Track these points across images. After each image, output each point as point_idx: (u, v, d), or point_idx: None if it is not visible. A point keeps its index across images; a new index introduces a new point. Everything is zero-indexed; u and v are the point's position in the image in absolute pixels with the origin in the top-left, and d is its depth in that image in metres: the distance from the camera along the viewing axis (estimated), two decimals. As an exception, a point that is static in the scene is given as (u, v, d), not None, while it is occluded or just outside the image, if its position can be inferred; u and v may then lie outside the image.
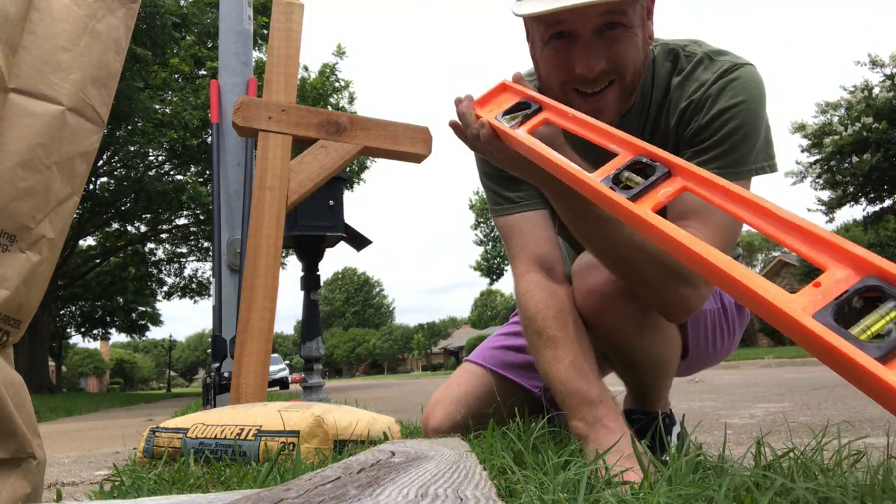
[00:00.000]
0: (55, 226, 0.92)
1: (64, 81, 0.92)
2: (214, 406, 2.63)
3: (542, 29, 1.05)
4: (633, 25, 1.02)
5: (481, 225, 35.32)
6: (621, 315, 1.11)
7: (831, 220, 16.95)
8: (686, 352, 1.28)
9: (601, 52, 1.02)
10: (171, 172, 15.21)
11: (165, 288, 20.99)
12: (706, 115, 1.07)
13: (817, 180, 16.63)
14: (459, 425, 1.40)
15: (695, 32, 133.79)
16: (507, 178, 1.23)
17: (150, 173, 14.25)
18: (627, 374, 1.29)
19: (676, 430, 1.37)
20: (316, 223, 3.11)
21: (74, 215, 1.05)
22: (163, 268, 20.44)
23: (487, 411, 1.39)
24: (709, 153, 1.06)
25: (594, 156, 0.96)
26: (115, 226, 17.72)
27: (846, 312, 0.55)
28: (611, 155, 0.85)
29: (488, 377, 1.45)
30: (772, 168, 1.08)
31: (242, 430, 1.36)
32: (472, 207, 35.93)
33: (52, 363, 24.37)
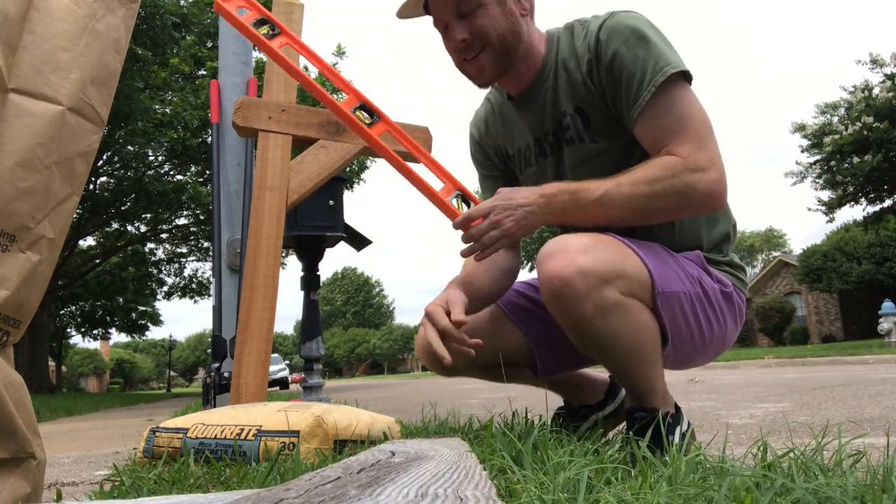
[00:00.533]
0: (55, 226, 0.92)
1: (63, 81, 0.92)
2: (214, 406, 2.63)
3: (437, 30, 1.40)
4: (484, 5, 1.30)
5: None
6: (580, 296, 1.16)
7: (831, 220, 16.91)
8: (665, 336, 1.28)
9: (463, 27, 1.32)
10: (171, 172, 15.20)
11: (165, 288, 20.99)
12: (606, 57, 1.28)
13: (817, 180, 16.61)
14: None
15: (695, 30, 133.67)
16: (483, 177, 1.66)
17: (150, 173, 14.24)
18: (606, 364, 1.30)
19: (682, 428, 1.32)
20: (316, 223, 3.10)
21: (74, 215, 1.05)
22: (163, 268, 20.45)
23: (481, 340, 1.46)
24: (633, 85, 1.25)
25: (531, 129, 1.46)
26: (115, 226, 17.72)
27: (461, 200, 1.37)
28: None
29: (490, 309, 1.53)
30: (681, 66, 1.24)
31: (242, 430, 1.36)
32: (472, 207, 35.90)
33: (52, 363, 24.37)
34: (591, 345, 1.24)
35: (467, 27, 1.31)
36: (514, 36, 1.34)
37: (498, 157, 1.60)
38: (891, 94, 14.40)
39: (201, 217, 15.17)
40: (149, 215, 16.24)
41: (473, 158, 1.66)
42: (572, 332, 1.24)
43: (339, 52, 15.09)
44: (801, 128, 16.42)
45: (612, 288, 1.17)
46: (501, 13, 1.32)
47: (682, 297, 1.29)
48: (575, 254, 1.16)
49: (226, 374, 2.72)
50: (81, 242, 17.83)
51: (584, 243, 1.18)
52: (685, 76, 1.25)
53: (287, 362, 31.74)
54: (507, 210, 1.22)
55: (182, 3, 13.16)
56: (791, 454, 0.87)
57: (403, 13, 1.43)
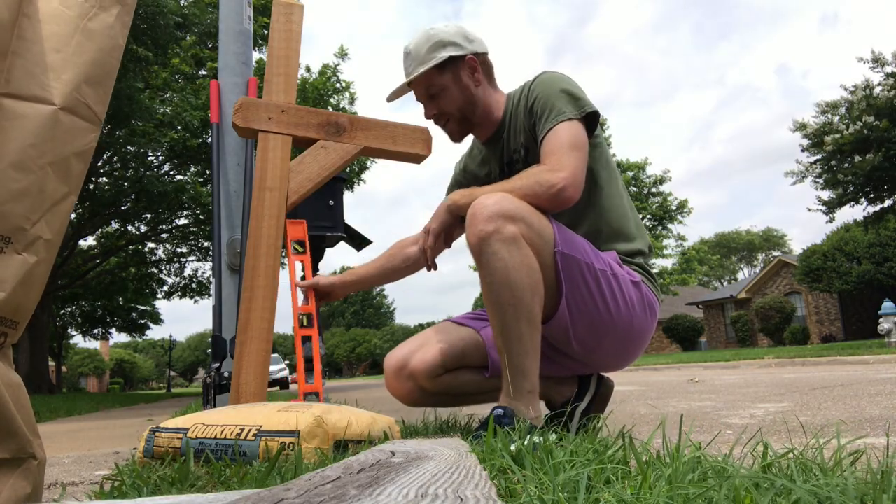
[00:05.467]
0: (51, 226, 0.92)
1: (55, 81, 0.91)
2: (214, 406, 2.63)
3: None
4: (446, 88, 1.75)
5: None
6: (488, 218, 1.44)
7: (831, 220, 16.89)
8: (561, 292, 1.53)
9: (433, 106, 1.80)
10: (172, 173, 15.19)
11: (165, 288, 20.97)
12: (531, 100, 1.71)
13: (817, 180, 16.58)
14: (440, 369, 1.75)
15: (697, 27, 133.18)
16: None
17: (149, 174, 14.21)
18: (493, 308, 1.46)
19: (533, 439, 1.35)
20: (316, 223, 3.10)
21: (75, 216, 1.05)
22: (163, 268, 20.42)
23: (463, 358, 1.76)
24: (541, 120, 1.66)
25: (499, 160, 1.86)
26: (115, 226, 17.70)
27: None
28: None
29: (459, 330, 1.83)
30: (582, 112, 1.64)
31: (242, 430, 1.36)
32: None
33: (52, 363, 24.36)
34: (487, 270, 1.44)
35: (435, 106, 1.79)
36: (469, 106, 1.79)
37: (468, 184, 2.00)
38: (892, 94, 14.37)
39: (201, 217, 15.15)
40: (149, 215, 16.22)
41: (450, 188, 2.12)
42: (474, 250, 1.47)
43: (342, 54, 15.09)
44: (801, 127, 16.40)
45: (515, 225, 1.44)
46: (459, 91, 1.76)
47: (584, 266, 1.56)
48: (500, 197, 1.48)
49: (226, 374, 2.72)
50: (81, 242, 17.81)
51: (508, 195, 1.50)
52: (578, 117, 1.65)
53: (287, 362, 31.67)
54: (432, 216, 1.69)
55: (182, 3, 13.15)
56: (791, 454, 0.87)
57: (392, 97, 1.88)
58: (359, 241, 3.42)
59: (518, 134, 1.79)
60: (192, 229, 16.89)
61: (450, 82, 1.75)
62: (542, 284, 1.47)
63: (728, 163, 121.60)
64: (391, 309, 66.36)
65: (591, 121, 1.67)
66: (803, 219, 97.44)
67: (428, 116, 1.82)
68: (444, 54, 1.72)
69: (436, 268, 1.74)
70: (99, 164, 14.20)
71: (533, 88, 1.72)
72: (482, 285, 1.49)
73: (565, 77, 1.73)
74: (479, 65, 1.77)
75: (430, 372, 1.74)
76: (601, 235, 1.73)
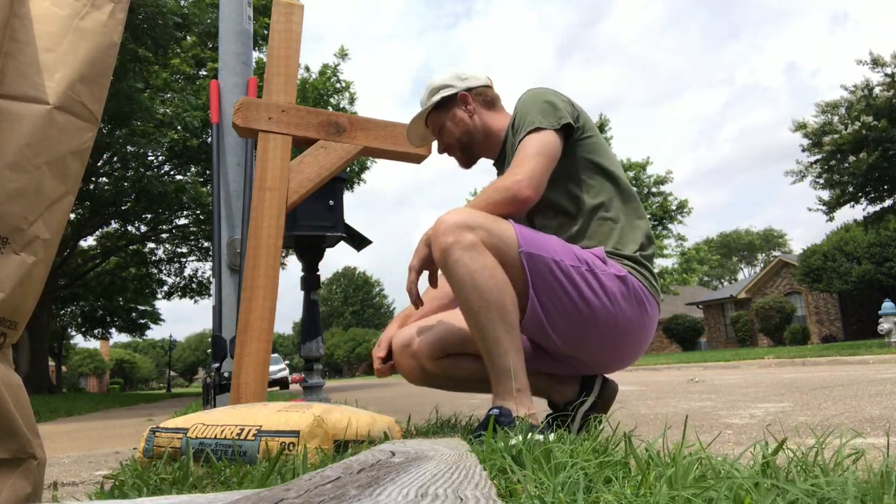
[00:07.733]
0: (49, 226, 0.92)
1: (49, 81, 0.91)
2: (214, 406, 2.63)
3: None
4: (444, 126, 1.93)
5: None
6: (447, 232, 1.52)
7: (831, 220, 16.89)
8: (527, 282, 1.55)
9: (440, 143, 1.98)
10: (172, 173, 15.18)
11: (165, 288, 20.97)
12: (513, 120, 1.81)
13: (817, 180, 16.58)
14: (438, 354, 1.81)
15: (712, 23, 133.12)
16: None
17: (149, 174, 14.19)
18: (468, 313, 1.52)
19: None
20: (316, 223, 3.10)
21: (75, 216, 1.05)
22: (163, 268, 20.42)
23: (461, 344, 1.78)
24: (516, 134, 1.73)
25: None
26: (115, 226, 17.70)
27: None
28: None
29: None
30: (552, 124, 1.69)
31: (242, 430, 1.36)
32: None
33: (52, 363, 24.36)
34: (454, 279, 1.50)
35: (441, 142, 1.98)
36: (466, 136, 1.92)
37: None
38: (891, 94, 14.37)
39: (201, 217, 15.14)
40: (149, 215, 16.21)
41: None
42: (439, 263, 1.53)
43: (342, 54, 15.10)
44: (801, 126, 16.40)
45: (474, 233, 1.51)
46: (454, 124, 1.92)
47: (552, 263, 1.58)
48: (458, 211, 1.56)
49: (226, 374, 2.72)
50: (81, 242, 17.81)
51: (466, 209, 1.57)
52: (547, 127, 1.71)
53: (287, 362, 31.65)
54: (413, 253, 1.66)
55: (182, 2, 13.14)
56: (791, 454, 0.87)
57: (415, 141, 2.09)
58: (359, 242, 3.42)
59: (512, 152, 1.84)
60: (192, 229, 16.88)
61: (447, 119, 1.93)
62: (510, 285, 1.52)
63: (732, 162, 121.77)
64: (391, 309, 66.32)
65: (568, 130, 1.73)
66: (804, 219, 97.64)
67: (439, 152, 2.02)
68: (438, 97, 1.92)
69: (422, 303, 1.75)
70: (99, 164, 14.19)
71: (517, 105, 1.82)
72: (455, 296, 1.55)
73: (545, 91, 1.81)
74: (471, 97, 1.92)
75: (431, 354, 1.81)
76: (583, 233, 1.76)
